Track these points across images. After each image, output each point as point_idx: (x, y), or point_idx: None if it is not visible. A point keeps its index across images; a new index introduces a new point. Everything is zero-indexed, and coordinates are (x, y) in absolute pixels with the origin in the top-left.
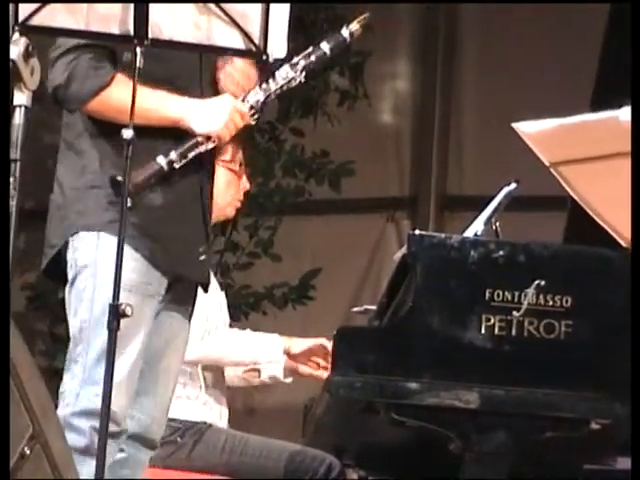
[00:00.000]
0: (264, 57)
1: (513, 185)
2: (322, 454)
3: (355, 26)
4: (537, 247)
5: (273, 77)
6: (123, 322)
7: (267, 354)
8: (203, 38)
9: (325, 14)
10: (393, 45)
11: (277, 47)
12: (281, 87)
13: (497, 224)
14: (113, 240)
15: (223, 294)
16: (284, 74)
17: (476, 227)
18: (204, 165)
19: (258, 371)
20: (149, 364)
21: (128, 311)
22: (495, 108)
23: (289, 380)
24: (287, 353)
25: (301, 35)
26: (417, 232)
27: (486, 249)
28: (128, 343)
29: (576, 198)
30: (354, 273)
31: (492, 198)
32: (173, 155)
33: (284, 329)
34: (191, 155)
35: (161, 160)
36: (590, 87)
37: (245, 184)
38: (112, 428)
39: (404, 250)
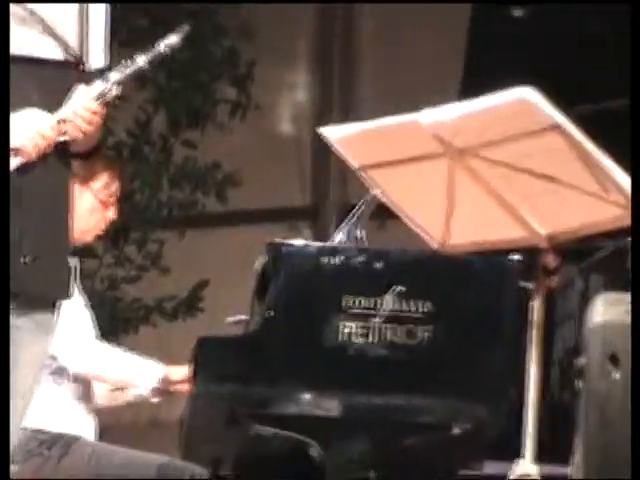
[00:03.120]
0: (82, 67)
1: (374, 192)
2: (189, 466)
3: (173, 39)
4: (395, 253)
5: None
6: None
7: (144, 379)
8: (18, 49)
9: (207, 26)
10: (289, 54)
11: (96, 57)
12: (95, 100)
13: (361, 232)
14: None
15: (91, 311)
16: (96, 88)
17: (338, 235)
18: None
19: (122, 390)
20: None
21: None
22: (394, 113)
23: (156, 400)
24: (166, 381)
25: (184, 47)
26: (274, 241)
27: (343, 256)
28: None
29: (385, 202)
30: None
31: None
32: None
33: (174, 342)
34: None
35: None
36: None
37: (112, 215)
38: None
39: (263, 259)
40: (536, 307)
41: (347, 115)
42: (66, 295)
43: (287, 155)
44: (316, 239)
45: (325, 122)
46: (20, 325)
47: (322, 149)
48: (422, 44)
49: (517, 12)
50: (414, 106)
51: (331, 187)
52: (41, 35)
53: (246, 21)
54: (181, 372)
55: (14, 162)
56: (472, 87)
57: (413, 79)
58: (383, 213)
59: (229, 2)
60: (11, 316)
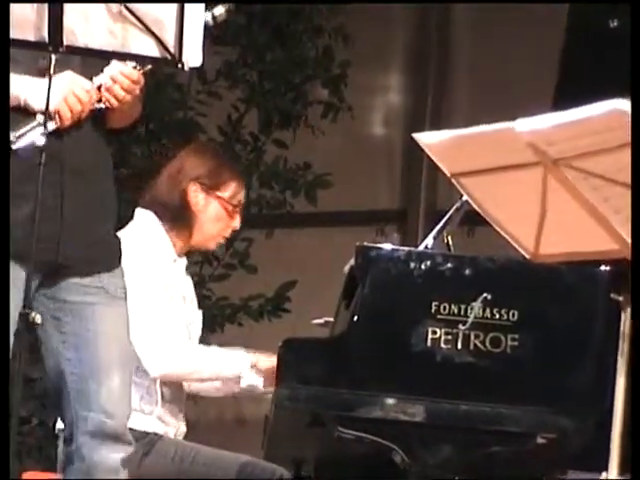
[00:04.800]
0: (179, 65)
1: (464, 199)
2: (272, 466)
3: (219, 10)
4: (483, 260)
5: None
6: None
7: (232, 368)
8: (118, 45)
9: (304, 25)
10: (384, 57)
11: (192, 55)
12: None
13: (449, 237)
14: None
15: (200, 312)
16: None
17: (427, 241)
18: (64, 142)
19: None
20: (82, 360)
21: (38, 319)
22: (487, 121)
23: (270, 389)
24: (254, 367)
25: (278, 46)
26: (364, 244)
27: (432, 262)
28: None
29: (478, 209)
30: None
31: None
32: (11, 136)
33: (259, 341)
34: (32, 135)
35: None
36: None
37: (236, 224)
38: None
39: (352, 262)
40: (627, 319)
41: (440, 120)
42: (112, 266)
43: (378, 158)
44: (404, 243)
45: (418, 126)
46: (97, 302)
47: (413, 153)
48: (517, 51)
49: (613, 23)
50: (509, 113)
51: (421, 192)
52: (142, 34)
53: (342, 22)
54: (268, 362)
55: (50, 126)
56: (566, 95)
57: (508, 85)
58: (472, 219)
59: (327, 2)
60: (86, 296)
